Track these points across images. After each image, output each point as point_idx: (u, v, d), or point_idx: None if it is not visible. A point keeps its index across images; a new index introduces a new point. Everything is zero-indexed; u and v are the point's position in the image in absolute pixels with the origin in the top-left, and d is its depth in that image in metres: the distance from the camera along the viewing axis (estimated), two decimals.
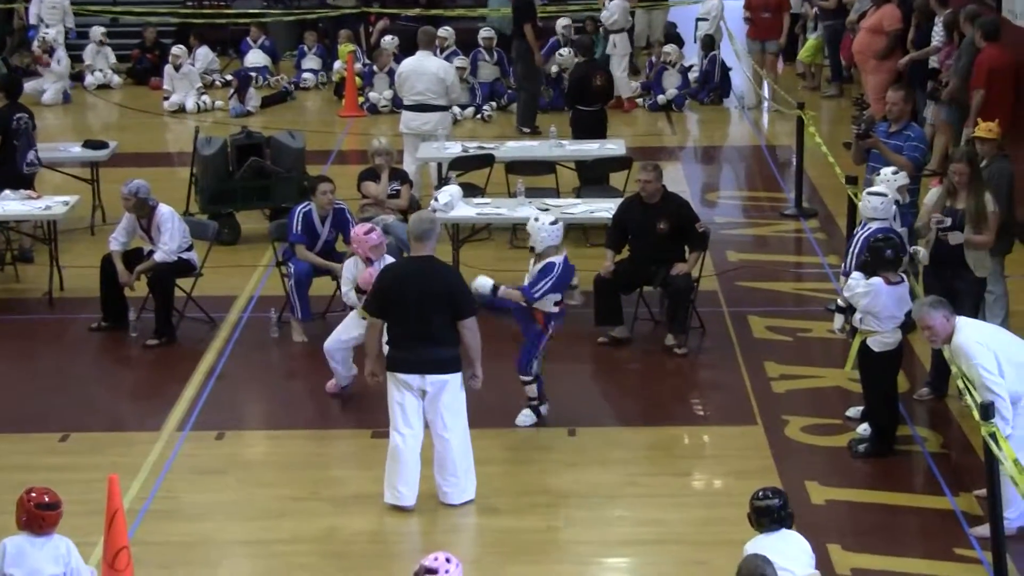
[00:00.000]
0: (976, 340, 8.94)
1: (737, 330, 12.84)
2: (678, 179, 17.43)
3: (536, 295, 10.74)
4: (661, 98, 21.88)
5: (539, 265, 10.85)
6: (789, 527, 7.62)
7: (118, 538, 7.92)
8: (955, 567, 8.89)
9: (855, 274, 10.24)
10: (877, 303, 10.05)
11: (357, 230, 11.48)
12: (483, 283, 10.78)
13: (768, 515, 7.57)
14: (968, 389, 9.02)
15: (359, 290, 11.22)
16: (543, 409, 11.03)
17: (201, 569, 9.08)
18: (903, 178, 11.81)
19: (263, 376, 12.31)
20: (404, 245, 12.73)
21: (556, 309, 10.90)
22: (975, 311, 10.94)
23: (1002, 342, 9.05)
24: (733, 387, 11.64)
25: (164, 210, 12.89)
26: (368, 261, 11.26)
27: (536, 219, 10.98)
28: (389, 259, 11.26)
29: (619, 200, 13.56)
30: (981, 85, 14.67)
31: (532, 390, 10.94)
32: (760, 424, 10.96)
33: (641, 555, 9.28)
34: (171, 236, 12.76)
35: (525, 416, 10.96)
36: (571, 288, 11.22)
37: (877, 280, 10.08)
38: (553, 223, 10.89)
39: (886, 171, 11.75)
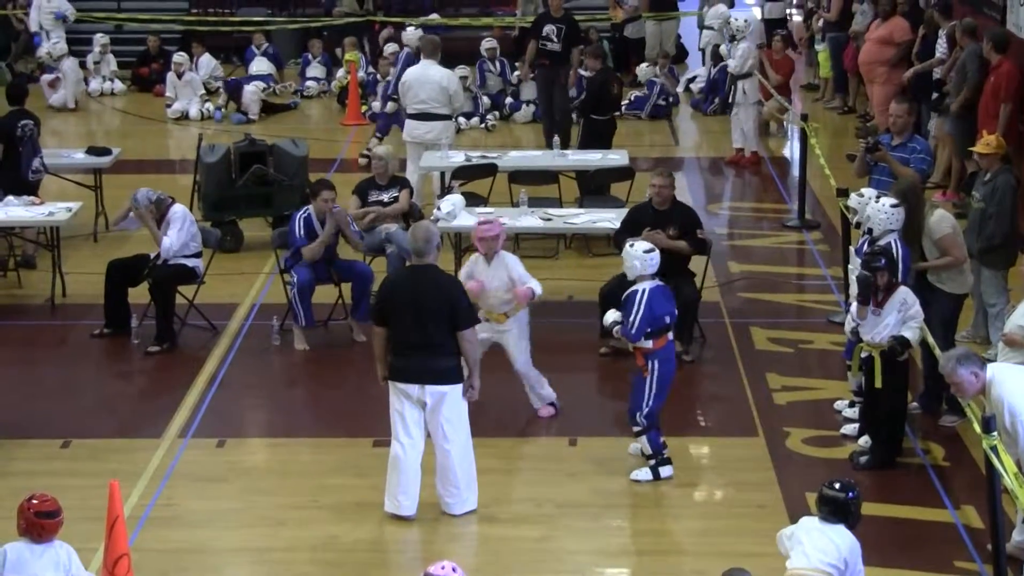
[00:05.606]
0: (1020, 392, 8.33)
1: (739, 341, 12.84)
2: (680, 189, 17.34)
3: (632, 332, 9.84)
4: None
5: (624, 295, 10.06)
6: (851, 526, 7.52)
7: (118, 545, 7.90)
8: None
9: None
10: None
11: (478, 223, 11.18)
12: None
13: (829, 505, 7.53)
14: (970, 407, 8.95)
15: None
16: (664, 471, 10.10)
17: None
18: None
19: (264, 384, 12.31)
20: (406, 254, 12.72)
21: (649, 344, 9.90)
22: (945, 327, 10.87)
23: None
24: (734, 398, 11.63)
25: (177, 209, 12.89)
26: (483, 254, 10.87)
27: (631, 245, 10.12)
28: (508, 255, 10.97)
29: (621, 210, 13.54)
30: (1009, 99, 14.61)
31: (645, 444, 10.09)
32: (761, 435, 10.95)
33: (639, 565, 9.28)
34: (177, 233, 12.72)
35: (640, 472, 10.18)
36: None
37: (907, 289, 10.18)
38: (648, 251, 10.01)
39: (868, 192, 11.25)
